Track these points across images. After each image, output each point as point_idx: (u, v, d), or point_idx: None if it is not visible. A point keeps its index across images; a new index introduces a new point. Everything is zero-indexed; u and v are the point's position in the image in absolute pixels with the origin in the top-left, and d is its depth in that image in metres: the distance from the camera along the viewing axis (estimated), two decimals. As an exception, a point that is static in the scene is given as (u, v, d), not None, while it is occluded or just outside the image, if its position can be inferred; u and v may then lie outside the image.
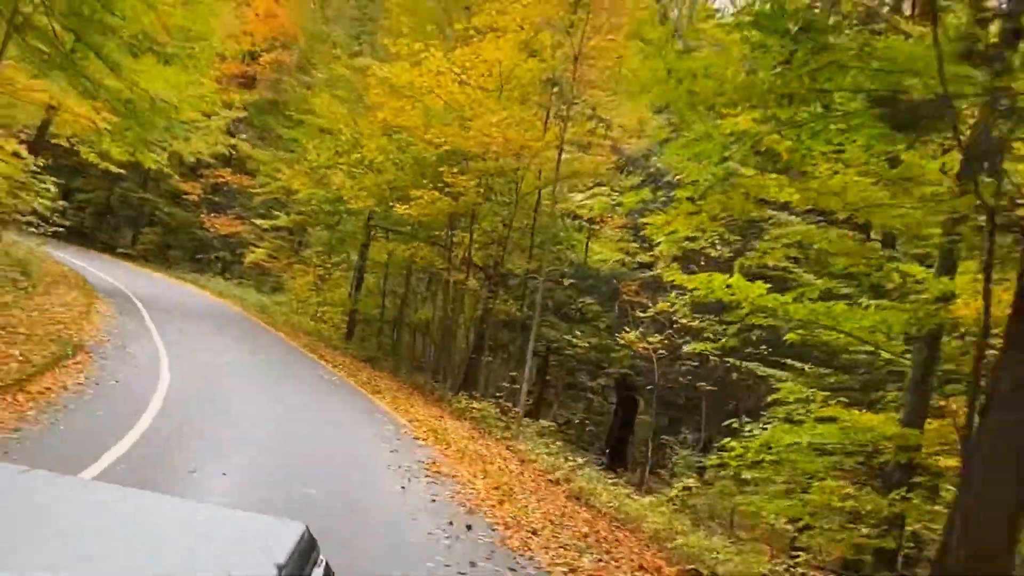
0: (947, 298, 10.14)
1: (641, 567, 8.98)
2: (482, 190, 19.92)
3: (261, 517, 2.56)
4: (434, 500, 9.71)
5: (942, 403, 11.10)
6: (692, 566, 9.66)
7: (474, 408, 17.99)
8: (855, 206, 9.18)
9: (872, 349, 11.81)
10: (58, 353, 13.85)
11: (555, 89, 20.08)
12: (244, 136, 39.36)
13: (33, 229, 23.46)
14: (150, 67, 16.43)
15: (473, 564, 7.44)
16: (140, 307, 24.06)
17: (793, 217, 13.73)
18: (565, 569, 8.00)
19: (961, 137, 7.32)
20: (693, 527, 12.10)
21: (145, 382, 13.46)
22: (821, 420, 11.27)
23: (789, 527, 12.89)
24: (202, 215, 42.15)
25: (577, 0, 19.69)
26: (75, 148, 25.88)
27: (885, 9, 9.89)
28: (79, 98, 16.75)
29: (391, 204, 20.93)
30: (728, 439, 11.50)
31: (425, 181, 19.61)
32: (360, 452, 11.96)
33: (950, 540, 7.71)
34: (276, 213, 36.63)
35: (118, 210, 47.69)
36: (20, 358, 12.70)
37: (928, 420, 10.73)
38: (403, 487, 10.02)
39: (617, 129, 21.12)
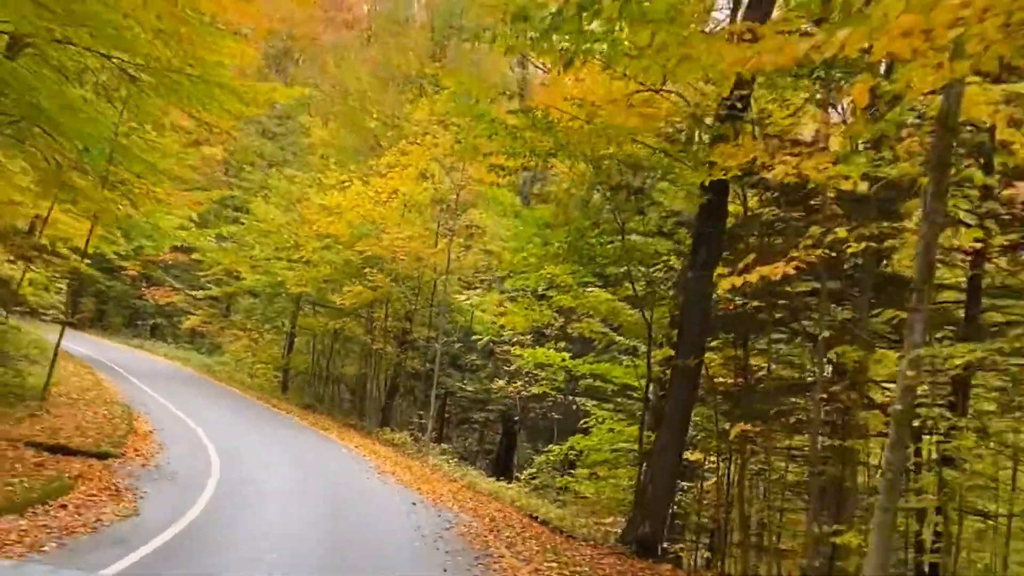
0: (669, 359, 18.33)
1: (500, 509, 16.84)
2: (394, 281, 27.74)
3: None
4: (384, 483, 17.43)
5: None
6: (529, 513, 17.52)
7: (395, 438, 25.64)
8: (604, 314, 17.36)
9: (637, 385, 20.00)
10: (126, 411, 21.04)
11: (444, 206, 28.05)
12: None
13: (46, 316, 30.18)
14: (157, 208, 23.82)
15: (414, 504, 15.21)
16: (122, 372, 30.91)
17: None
18: (459, 506, 15.82)
19: (637, 287, 15.51)
20: (537, 497, 20.05)
21: (181, 422, 20.81)
22: (610, 431, 19.45)
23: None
24: (142, 287, 48.63)
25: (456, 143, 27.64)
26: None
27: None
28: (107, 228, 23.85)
29: (325, 292, 28.67)
30: (551, 445, 19.61)
31: (352, 279, 27.36)
32: (333, 463, 19.55)
33: (645, 484, 15.78)
34: (209, 285, 43.50)
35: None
36: (110, 415, 19.89)
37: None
38: (367, 478, 17.71)
39: (488, 235, 29.18)
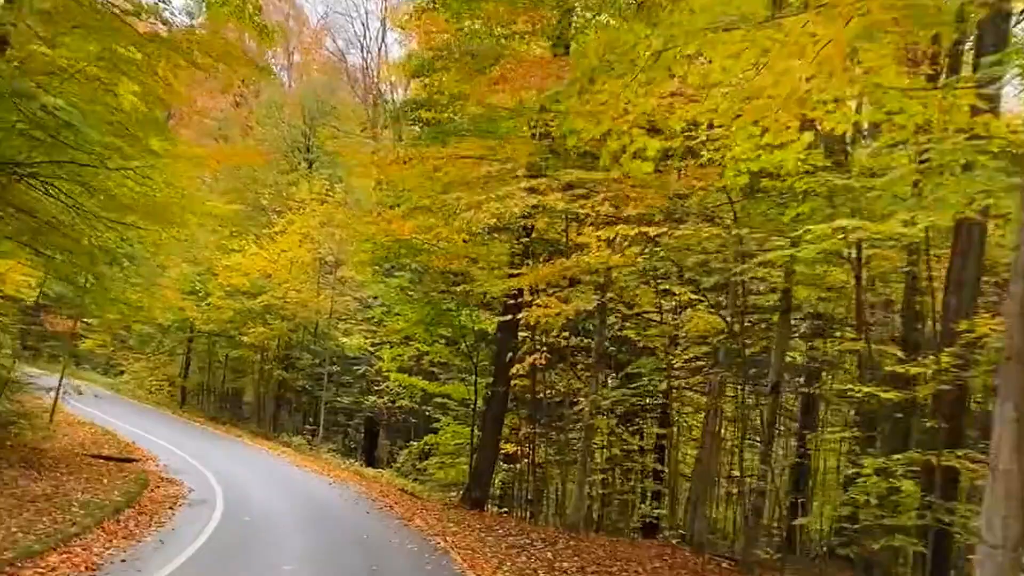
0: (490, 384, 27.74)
1: (381, 486, 25.83)
2: (285, 322, 36.30)
3: None
4: (304, 471, 26.18)
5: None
6: (401, 488, 26.58)
7: (292, 441, 34.24)
8: (446, 357, 26.70)
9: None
10: (101, 428, 28.86)
11: (323, 262, 36.74)
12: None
13: None
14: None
15: (330, 483, 24.09)
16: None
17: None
18: (357, 484, 24.75)
19: (466, 342, 24.84)
20: (404, 478, 29.15)
21: (141, 436, 28.81)
22: (453, 432, 28.82)
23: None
24: (42, 316, 54.86)
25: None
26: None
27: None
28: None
29: (229, 329, 37.04)
30: (410, 442, 28.74)
31: (254, 321, 35.77)
32: (262, 460, 28.10)
33: (475, 467, 25.06)
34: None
35: (-55, 310, 58.81)
36: (99, 431, 27.78)
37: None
38: (289, 469, 26.40)
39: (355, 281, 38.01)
